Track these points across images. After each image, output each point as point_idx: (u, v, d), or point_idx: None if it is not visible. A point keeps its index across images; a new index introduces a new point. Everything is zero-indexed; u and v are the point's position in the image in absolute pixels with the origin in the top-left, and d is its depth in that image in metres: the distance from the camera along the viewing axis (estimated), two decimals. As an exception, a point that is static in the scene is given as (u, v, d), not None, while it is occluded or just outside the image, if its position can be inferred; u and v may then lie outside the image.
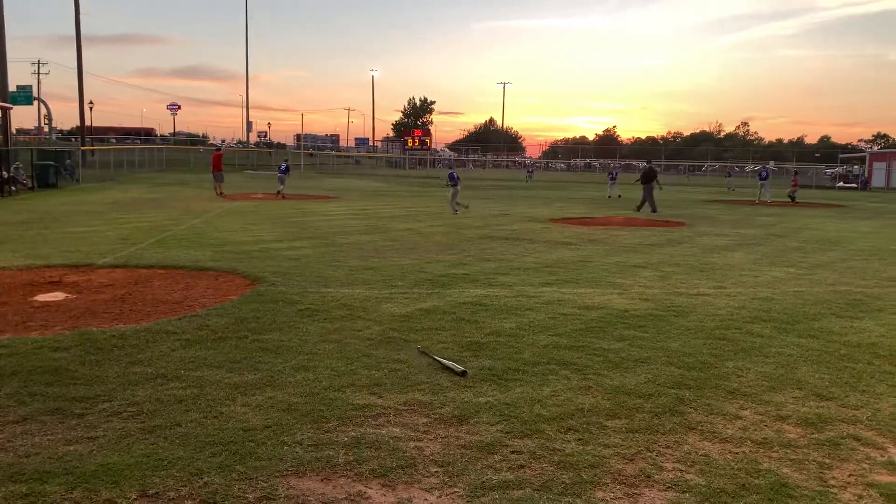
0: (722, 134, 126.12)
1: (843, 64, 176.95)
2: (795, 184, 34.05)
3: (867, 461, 4.25)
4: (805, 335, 7.25)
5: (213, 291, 8.88)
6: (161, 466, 3.93)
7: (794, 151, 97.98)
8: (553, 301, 8.59)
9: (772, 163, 69.58)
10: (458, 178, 23.13)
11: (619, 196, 33.11)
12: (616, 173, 37.70)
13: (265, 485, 3.76)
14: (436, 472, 3.97)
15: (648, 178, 25.01)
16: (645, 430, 4.66)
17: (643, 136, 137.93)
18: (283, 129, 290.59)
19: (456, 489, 3.77)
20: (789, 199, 32.56)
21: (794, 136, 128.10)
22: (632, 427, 4.70)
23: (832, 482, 3.95)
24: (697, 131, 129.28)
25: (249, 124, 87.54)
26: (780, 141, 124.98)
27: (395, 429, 4.57)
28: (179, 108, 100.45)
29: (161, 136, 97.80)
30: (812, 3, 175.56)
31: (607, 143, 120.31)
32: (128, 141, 74.41)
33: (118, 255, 11.55)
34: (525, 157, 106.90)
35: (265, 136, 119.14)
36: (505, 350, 6.41)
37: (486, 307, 8.16)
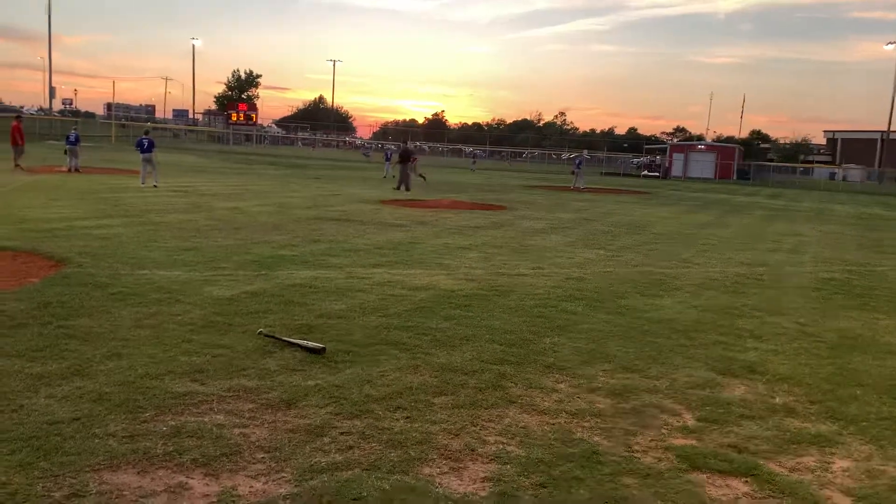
0: (541, 123, 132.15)
1: (649, 61, 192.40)
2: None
3: (665, 427, 4.69)
4: (613, 312, 7.85)
5: (11, 273, 8.05)
6: (-53, 469, 3.52)
7: (605, 141, 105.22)
8: (383, 282, 8.65)
9: (585, 151, 74.18)
10: (148, 143, 21.00)
11: (395, 177, 33.06)
12: (390, 154, 38.44)
13: (74, 481, 3.49)
14: (262, 458, 3.88)
15: (404, 158, 26.92)
16: (469, 405, 4.84)
17: (469, 122, 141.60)
18: (92, 97, 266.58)
19: (283, 474, 3.71)
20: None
21: (607, 127, 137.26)
22: (457, 403, 4.86)
23: (636, 447, 4.32)
24: (520, 119, 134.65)
25: (52, 90, 79.98)
26: (593, 131, 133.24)
27: (218, 416, 4.41)
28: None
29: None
30: (622, 1, 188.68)
31: (436, 128, 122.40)
32: None
33: None
34: (356, 138, 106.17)
35: (71, 105, 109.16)
36: (335, 332, 6.37)
37: (316, 289, 8.06)
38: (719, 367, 6.07)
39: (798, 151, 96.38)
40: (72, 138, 25.28)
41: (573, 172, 34.88)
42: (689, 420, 4.84)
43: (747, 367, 6.11)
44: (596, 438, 4.42)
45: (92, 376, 4.92)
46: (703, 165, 65.68)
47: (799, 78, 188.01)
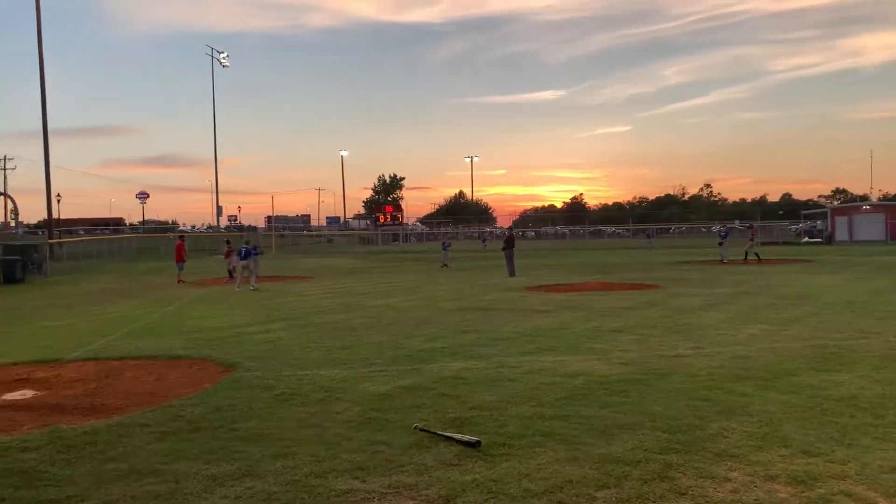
0: (686, 197, 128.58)
1: (796, 124, 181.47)
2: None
3: (861, 517, 4.19)
4: (786, 391, 7.26)
5: (187, 380, 8.69)
6: (137, 569, 3.74)
7: (757, 210, 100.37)
8: (534, 370, 8.53)
9: (737, 222, 71.08)
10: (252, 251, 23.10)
11: (446, 265, 33.87)
12: (447, 245, 38.24)
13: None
14: (425, 557, 3.83)
15: (509, 243, 27.54)
16: (635, 498, 4.58)
17: (610, 203, 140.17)
18: (254, 212, 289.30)
19: (447, 574, 3.64)
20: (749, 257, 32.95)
21: (758, 195, 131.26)
22: (622, 496, 4.61)
23: (828, 542, 3.88)
24: (662, 195, 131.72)
25: (219, 209, 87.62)
26: (743, 200, 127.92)
27: (380, 513, 4.43)
28: (148, 196, 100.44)
29: (130, 224, 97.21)
30: (761, 68, 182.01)
31: (575, 211, 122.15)
32: (97, 231, 73.92)
33: (88, 348, 11.30)
34: (496, 228, 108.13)
35: (236, 220, 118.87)
36: (489, 424, 6.31)
37: (467, 381, 8.07)
38: (919, 448, 5.40)
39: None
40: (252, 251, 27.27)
41: (720, 244, 33.53)
42: (890, 510, 4.30)
43: (954, 447, 5.40)
44: (781, 533, 4.02)
45: (261, 476, 5.14)
46: (871, 227, 60.65)
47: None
